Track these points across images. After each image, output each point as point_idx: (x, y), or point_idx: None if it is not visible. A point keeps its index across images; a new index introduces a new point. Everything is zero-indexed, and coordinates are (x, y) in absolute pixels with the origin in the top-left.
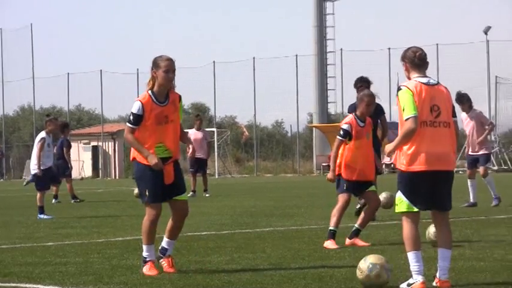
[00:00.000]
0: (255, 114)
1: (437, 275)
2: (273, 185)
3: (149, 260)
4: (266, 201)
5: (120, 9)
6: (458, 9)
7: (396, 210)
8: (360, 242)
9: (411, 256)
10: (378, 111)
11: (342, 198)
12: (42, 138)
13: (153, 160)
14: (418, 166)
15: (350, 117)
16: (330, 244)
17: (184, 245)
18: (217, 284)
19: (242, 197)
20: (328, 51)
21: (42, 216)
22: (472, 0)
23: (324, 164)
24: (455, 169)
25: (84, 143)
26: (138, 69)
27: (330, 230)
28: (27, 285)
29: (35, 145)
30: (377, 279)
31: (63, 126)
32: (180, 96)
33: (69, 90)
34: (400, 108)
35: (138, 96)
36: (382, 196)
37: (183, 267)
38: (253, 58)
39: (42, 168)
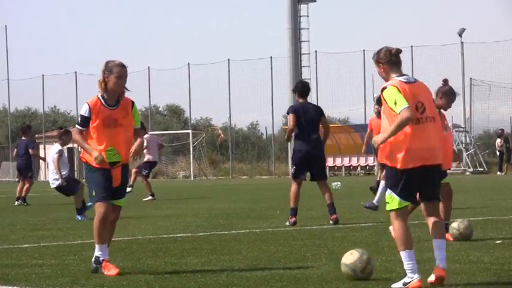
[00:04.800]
0: (230, 116)
1: (437, 263)
2: (248, 187)
3: (103, 260)
4: (242, 203)
5: (95, 12)
6: (433, 11)
7: (388, 208)
8: (450, 237)
9: (404, 255)
10: (317, 113)
11: None
12: None
13: (94, 154)
14: (409, 163)
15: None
16: None
17: (160, 247)
18: (193, 285)
19: (218, 199)
20: (302, 53)
21: None
22: (447, 2)
23: None
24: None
25: None
26: None
27: None
28: None
29: None
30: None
31: (25, 128)
32: (132, 102)
33: (44, 92)
34: (388, 106)
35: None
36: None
37: (159, 269)
38: (228, 60)
39: None
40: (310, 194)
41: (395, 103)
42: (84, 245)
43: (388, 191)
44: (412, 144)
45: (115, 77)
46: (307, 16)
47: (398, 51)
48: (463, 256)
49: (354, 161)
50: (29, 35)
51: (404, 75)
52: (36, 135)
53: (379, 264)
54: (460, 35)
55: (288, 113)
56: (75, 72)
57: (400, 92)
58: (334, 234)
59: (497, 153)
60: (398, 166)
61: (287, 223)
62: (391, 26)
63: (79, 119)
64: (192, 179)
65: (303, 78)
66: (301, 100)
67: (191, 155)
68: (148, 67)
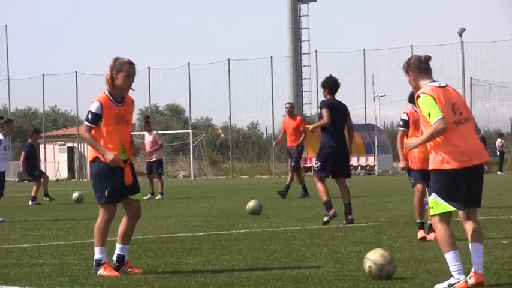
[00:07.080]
0: (230, 116)
1: (473, 269)
2: (248, 187)
3: (104, 263)
4: (242, 202)
5: (95, 11)
6: (433, 11)
7: (432, 213)
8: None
9: (450, 256)
10: (345, 111)
11: (416, 190)
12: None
13: (109, 156)
14: (458, 163)
15: (409, 107)
16: (420, 234)
17: (160, 247)
18: (194, 285)
19: (218, 198)
20: (303, 52)
21: None
22: (447, 2)
23: None
24: None
25: (60, 145)
26: None
27: (417, 222)
28: (3, 287)
29: None
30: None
31: (32, 131)
32: (133, 100)
33: (45, 92)
34: (424, 115)
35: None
36: (249, 204)
37: (159, 269)
38: (228, 60)
39: None
40: (310, 193)
41: (429, 114)
42: (84, 245)
43: (433, 196)
44: (457, 145)
45: (124, 75)
46: (307, 16)
47: (427, 58)
48: (463, 256)
49: (354, 161)
50: (29, 35)
51: (435, 81)
52: None
53: None
54: (460, 35)
55: (320, 108)
56: (76, 72)
57: (435, 101)
58: (334, 234)
59: (497, 153)
60: (448, 167)
61: (325, 218)
62: (391, 26)
63: (89, 116)
64: (192, 178)
65: (303, 77)
66: (329, 96)
67: (191, 155)
68: (149, 67)
